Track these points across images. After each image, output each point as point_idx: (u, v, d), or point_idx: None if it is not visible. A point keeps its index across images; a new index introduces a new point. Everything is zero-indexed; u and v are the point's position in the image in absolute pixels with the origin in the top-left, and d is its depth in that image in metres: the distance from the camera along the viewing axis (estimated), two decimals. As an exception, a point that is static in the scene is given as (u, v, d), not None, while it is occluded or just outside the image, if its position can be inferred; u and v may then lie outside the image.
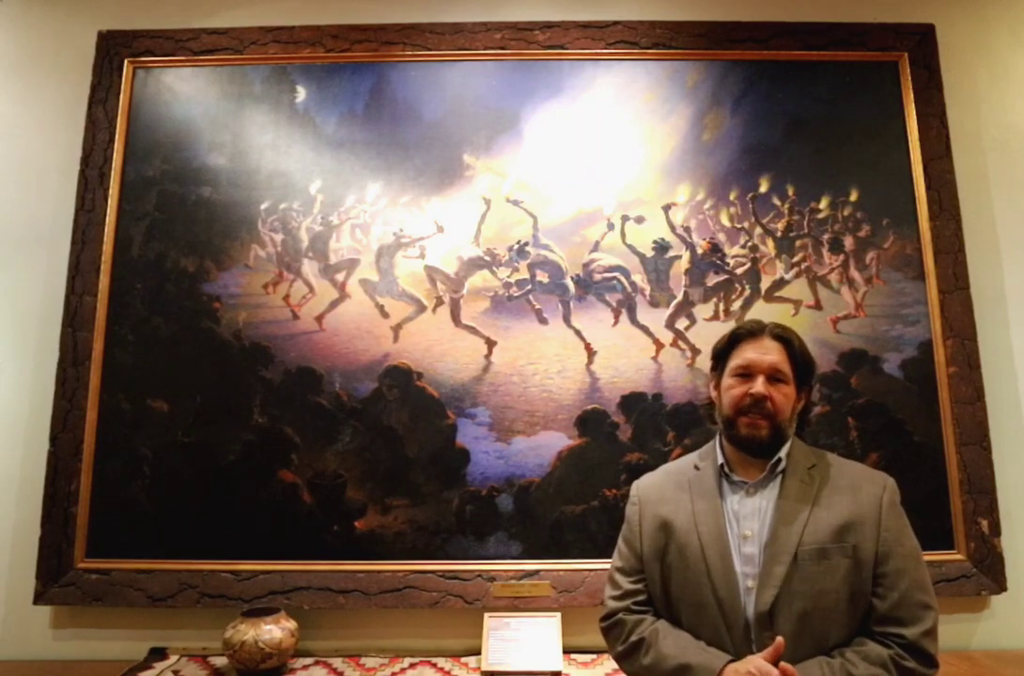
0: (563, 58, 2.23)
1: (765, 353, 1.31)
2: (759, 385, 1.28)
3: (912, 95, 2.19)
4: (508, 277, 2.14)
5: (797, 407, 1.35)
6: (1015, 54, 2.30)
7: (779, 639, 1.14)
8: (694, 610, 1.26)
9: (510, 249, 2.15)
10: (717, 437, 1.40)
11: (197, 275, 2.14)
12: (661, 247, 2.15)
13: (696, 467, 1.39)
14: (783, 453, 1.32)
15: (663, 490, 1.39)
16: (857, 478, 1.32)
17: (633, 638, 1.28)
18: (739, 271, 2.14)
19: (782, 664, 1.13)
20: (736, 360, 1.33)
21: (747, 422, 1.29)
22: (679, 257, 2.15)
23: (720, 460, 1.35)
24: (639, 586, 1.34)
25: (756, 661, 1.14)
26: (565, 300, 2.13)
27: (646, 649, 1.26)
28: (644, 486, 1.44)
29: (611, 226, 2.16)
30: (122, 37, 2.24)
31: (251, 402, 2.06)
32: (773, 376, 1.30)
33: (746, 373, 1.31)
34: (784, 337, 1.34)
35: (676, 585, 1.29)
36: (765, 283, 2.14)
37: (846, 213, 2.16)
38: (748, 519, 1.28)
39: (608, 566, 1.44)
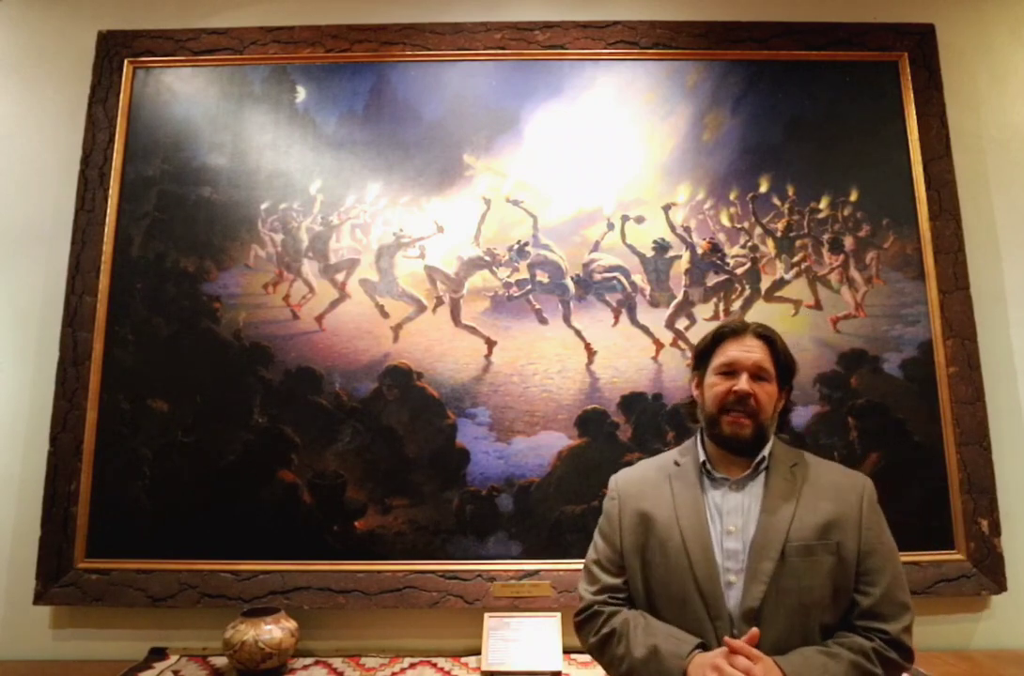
0: (563, 58, 2.23)
1: (749, 351, 1.32)
2: (743, 382, 1.29)
3: (912, 95, 2.19)
4: (508, 277, 2.14)
5: (779, 406, 1.37)
6: (1015, 54, 2.30)
7: (754, 630, 1.15)
8: (676, 605, 1.26)
9: (510, 249, 2.15)
10: (697, 434, 1.41)
11: (197, 275, 2.14)
12: (661, 247, 2.15)
13: (676, 463, 1.39)
14: (766, 452, 1.33)
15: (643, 485, 1.39)
16: (837, 477, 1.34)
17: (606, 629, 1.28)
18: (739, 271, 2.14)
19: (741, 659, 1.13)
20: (720, 358, 1.34)
21: (730, 420, 1.30)
22: (679, 257, 2.15)
23: (702, 457, 1.35)
24: (618, 581, 1.34)
25: (720, 659, 1.14)
26: (565, 300, 2.13)
27: (619, 638, 1.26)
28: (623, 480, 1.44)
29: (611, 226, 2.16)
30: (122, 37, 2.24)
31: (251, 402, 2.06)
32: (757, 374, 1.31)
33: (730, 371, 1.32)
34: (767, 336, 1.35)
35: (656, 580, 1.29)
36: (765, 283, 2.14)
37: (846, 213, 2.16)
38: (732, 514, 1.28)
39: None
